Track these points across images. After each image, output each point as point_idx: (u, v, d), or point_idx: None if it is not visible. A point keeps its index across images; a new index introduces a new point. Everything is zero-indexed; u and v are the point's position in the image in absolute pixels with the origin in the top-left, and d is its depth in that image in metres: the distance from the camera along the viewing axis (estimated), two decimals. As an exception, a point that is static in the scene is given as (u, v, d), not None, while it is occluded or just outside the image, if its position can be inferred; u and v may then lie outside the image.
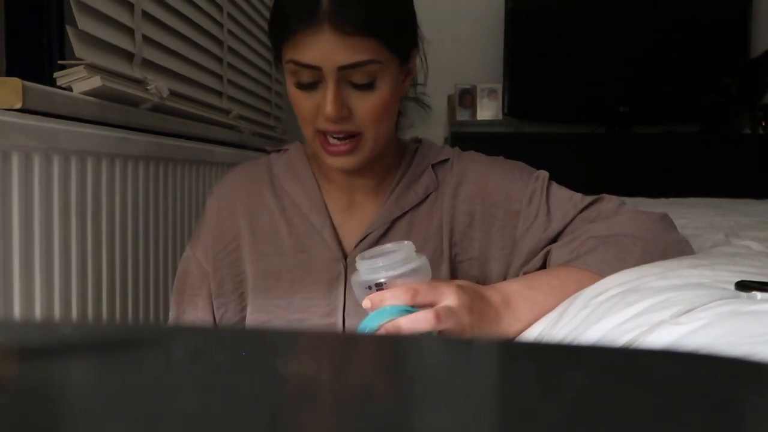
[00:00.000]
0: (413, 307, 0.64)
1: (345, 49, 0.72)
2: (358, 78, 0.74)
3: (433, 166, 0.88)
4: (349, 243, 0.85)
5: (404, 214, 0.85)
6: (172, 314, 0.92)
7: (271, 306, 0.84)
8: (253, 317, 0.86)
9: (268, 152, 0.94)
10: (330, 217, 0.85)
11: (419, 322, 0.62)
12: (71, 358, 0.26)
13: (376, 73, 0.75)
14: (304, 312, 0.83)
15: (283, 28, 0.75)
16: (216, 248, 0.87)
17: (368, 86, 0.75)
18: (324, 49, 0.72)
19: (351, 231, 0.85)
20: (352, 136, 0.77)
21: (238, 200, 0.88)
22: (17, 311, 0.80)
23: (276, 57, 0.81)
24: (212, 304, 0.88)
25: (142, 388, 0.23)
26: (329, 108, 0.74)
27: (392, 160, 0.87)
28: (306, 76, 0.75)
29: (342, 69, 0.73)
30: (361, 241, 0.83)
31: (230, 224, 0.87)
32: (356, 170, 0.81)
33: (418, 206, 0.85)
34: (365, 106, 0.76)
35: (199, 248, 0.89)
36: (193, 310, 0.88)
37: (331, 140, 0.77)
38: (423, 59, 0.88)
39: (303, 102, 0.77)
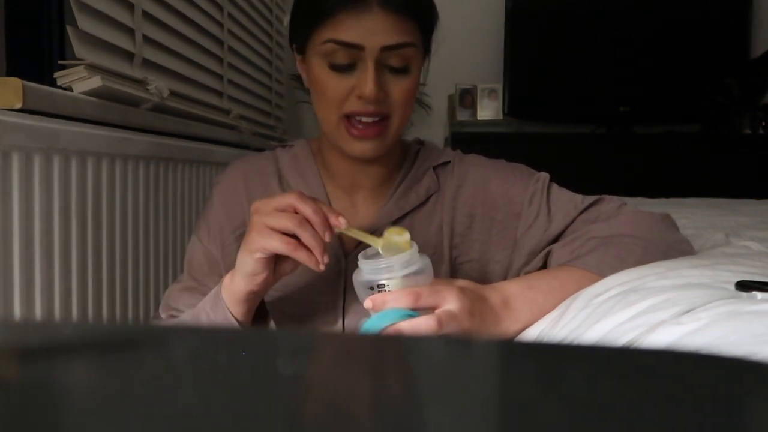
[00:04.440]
0: (415, 311, 0.64)
1: (391, 28, 0.74)
2: (395, 61, 0.76)
3: (434, 168, 0.88)
4: (350, 243, 0.85)
5: (404, 215, 0.85)
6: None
7: (270, 298, 0.84)
8: None
9: (271, 148, 0.94)
10: None
11: (421, 327, 0.62)
12: (71, 358, 0.26)
13: (410, 58, 0.77)
14: (303, 307, 0.83)
15: (323, 6, 0.75)
16: (224, 233, 0.87)
17: (403, 70, 0.77)
18: (369, 28, 0.73)
19: None
20: (381, 120, 0.77)
21: (244, 187, 0.87)
22: (17, 311, 0.80)
23: (297, 41, 0.81)
24: None
25: (141, 388, 0.23)
26: (370, 87, 0.74)
27: (395, 161, 0.88)
28: (343, 57, 0.75)
29: (384, 50, 0.74)
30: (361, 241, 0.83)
31: (237, 210, 0.87)
32: (375, 157, 0.81)
33: (418, 208, 0.86)
34: (398, 90, 0.77)
35: (205, 235, 0.88)
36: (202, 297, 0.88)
37: (359, 125, 0.77)
38: (427, 60, 0.88)
39: (334, 84, 0.76)
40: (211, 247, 0.88)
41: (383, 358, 0.29)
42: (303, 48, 0.80)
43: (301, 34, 0.80)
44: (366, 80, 0.74)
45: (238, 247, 0.86)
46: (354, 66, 0.75)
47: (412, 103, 0.80)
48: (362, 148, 0.78)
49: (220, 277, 0.87)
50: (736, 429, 0.19)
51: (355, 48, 0.74)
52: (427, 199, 0.86)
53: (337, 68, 0.76)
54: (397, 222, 0.85)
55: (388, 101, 0.77)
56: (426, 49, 0.82)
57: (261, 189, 0.88)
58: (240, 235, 0.87)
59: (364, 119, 0.76)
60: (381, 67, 0.75)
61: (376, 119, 0.77)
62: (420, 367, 0.27)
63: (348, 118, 0.77)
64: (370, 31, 0.73)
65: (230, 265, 0.86)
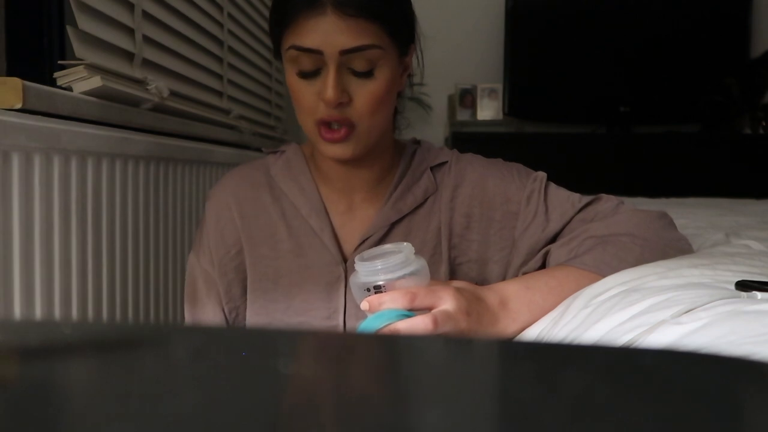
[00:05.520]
0: (411, 311, 0.64)
1: (347, 32, 0.73)
2: (359, 65, 0.75)
3: (431, 168, 0.87)
4: (348, 246, 0.85)
5: (403, 217, 0.85)
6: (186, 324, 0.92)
7: (270, 309, 0.84)
8: (252, 321, 0.85)
9: (263, 153, 0.94)
10: (330, 221, 0.85)
11: (417, 327, 0.62)
12: (71, 358, 0.26)
13: (376, 61, 0.75)
14: (303, 315, 0.83)
15: (285, 13, 0.75)
16: (220, 254, 0.86)
17: (368, 74, 0.76)
18: (326, 32, 0.73)
19: (350, 234, 0.85)
20: (349, 126, 0.77)
21: (235, 204, 0.87)
22: (17, 311, 0.80)
23: (276, 49, 0.81)
24: (223, 310, 0.87)
25: (142, 388, 0.23)
26: (330, 92, 0.73)
27: (390, 160, 0.87)
28: (307, 63, 0.75)
29: (344, 53, 0.73)
30: (360, 245, 0.83)
31: (230, 228, 0.87)
32: (352, 160, 0.80)
33: (416, 209, 0.85)
34: (364, 93, 0.76)
35: (202, 255, 0.88)
36: (205, 318, 0.88)
37: (330, 128, 0.77)
38: (419, 58, 0.88)
39: (303, 91, 0.77)
40: (208, 267, 0.87)
41: (382, 358, 0.29)
42: (279, 56, 0.81)
43: (274, 42, 0.81)
44: (326, 85, 0.74)
45: (234, 267, 0.86)
46: (319, 71, 0.75)
47: (385, 105, 0.79)
48: (335, 151, 0.78)
49: (218, 297, 0.87)
50: (736, 429, 0.19)
51: (315, 53, 0.74)
52: (425, 200, 0.86)
53: (303, 75, 0.76)
54: (395, 224, 0.84)
55: (353, 107, 0.76)
56: (402, 51, 0.80)
57: (253, 201, 0.87)
58: (236, 254, 0.86)
59: (333, 125, 0.77)
60: (344, 71, 0.75)
61: (343, 126, 0.77)
62: (419, 367, 0.27)
63: (322, 123, 0.77)
64: (327, 35, 0.73)
65: (227, 285, 0.86)
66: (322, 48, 0.73)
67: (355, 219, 0.86)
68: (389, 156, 0.87)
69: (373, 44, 0.74)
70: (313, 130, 0.78)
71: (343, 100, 0.75)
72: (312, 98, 0.76)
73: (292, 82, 0.78)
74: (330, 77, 0.74)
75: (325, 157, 0.81)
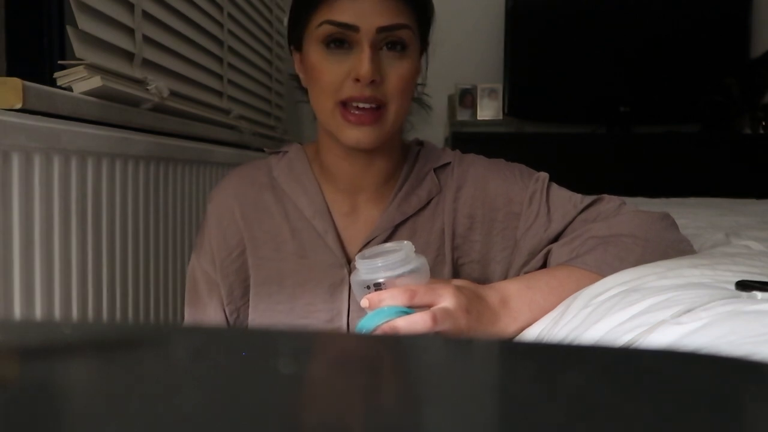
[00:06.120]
0: (411, 308, 0.64)
1: (386, 10, 0.74)
2: (392, 45, 0.76)
3: (434, 170, 0.87)
4: (352, 248, 0.84)
5: (407, 219, 0.84)
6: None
7: (273, 311, 0.84)
8: (255, 322, 0.85)
9: (266, 153, 0.93)
10: (333, 222, 0.85)
11: (416, 323, 0.62)
12: (71, 358, 0.26)
13: (407, 43, 0.77)
14: (307, 317, 0.83)
15: None
16: (221, 255, 0.86)
17: (400, 53, 0.77)
18: (364, 8, 0.74)
19: (354, 236, 0.85)
20: (378, 108, 0.77)
21: (238, 205, 0.86)
22: (17, 311, 0.80)
23: (296, 36, 0.81)
24: (224, 311, 0.87)
25: (142, 388, 0.23)
26: (365, 68, 0.73)
27: (396, 160, 0.87)
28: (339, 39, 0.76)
29: (380, 30, 0.74)
30: (363, 247, 0.82)
31: (233, 230, 0.86)
32: (372, 147, 0.79)
33: (420, 211, 0.85)
34: (395, 73, 0.77)
35: (203, 257, 0.87)
36: (206, 320, 0.88)
37: (355, 111, 0.76)
38: (425, 60, 0.88)
39: (330, 69, 0.76)
40: (209, 269, 0.87)
41: (382, 358, 0.29)
42: (300, 40, 0.80)
43: (298, 24, 0.80)
44: (362, 60, 0.74)
45: (236, 269, 0.86)
46: (350, 49, 0.75)
47: (410, 92, 0.80)
48: (358, 135, 0.77)
49: (219, 298, 0.86)
50: (736, 429, 0.19)
51: (350, 29, 0.74)
52: (429, 201, 0.86)
53: (334, 47, 0.76)
54: (399, 226, 0.84)
55: (384, 87, 0.76)
56: (423, 42, 0.82)
57: (256, 202, 0.86)
58: (238, 255, 0.86)
59: (361, 105, 0.76)
60: (377, 50, 0.76)
61: (373, 106, 0.76)
62: (419, 366, 0.27)
63: (344, 105, 0.76)
64: (366, 12, 0.74)
65: (229, 287, 0.86)
66: (359, 24, 0.74)
67: (358, 221, 0.86)
68: (397, 155, 0.87)
69: (407, 24, 0.76)
70: (333, 113, 0.77)
71: (376, 77, 0.75)
72: (337, 77, 0.76)
73: (317, 60, 0.77)
74: (365, 53, 0.74)
75: (345, 143, 0.78)
